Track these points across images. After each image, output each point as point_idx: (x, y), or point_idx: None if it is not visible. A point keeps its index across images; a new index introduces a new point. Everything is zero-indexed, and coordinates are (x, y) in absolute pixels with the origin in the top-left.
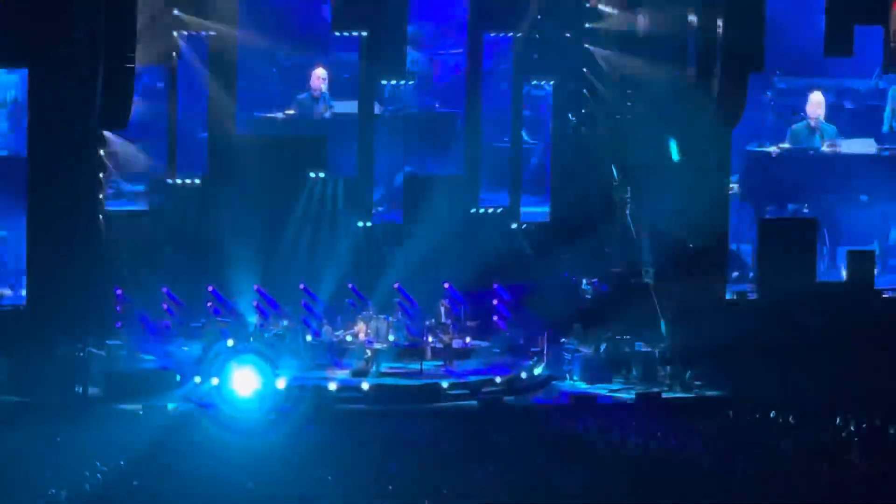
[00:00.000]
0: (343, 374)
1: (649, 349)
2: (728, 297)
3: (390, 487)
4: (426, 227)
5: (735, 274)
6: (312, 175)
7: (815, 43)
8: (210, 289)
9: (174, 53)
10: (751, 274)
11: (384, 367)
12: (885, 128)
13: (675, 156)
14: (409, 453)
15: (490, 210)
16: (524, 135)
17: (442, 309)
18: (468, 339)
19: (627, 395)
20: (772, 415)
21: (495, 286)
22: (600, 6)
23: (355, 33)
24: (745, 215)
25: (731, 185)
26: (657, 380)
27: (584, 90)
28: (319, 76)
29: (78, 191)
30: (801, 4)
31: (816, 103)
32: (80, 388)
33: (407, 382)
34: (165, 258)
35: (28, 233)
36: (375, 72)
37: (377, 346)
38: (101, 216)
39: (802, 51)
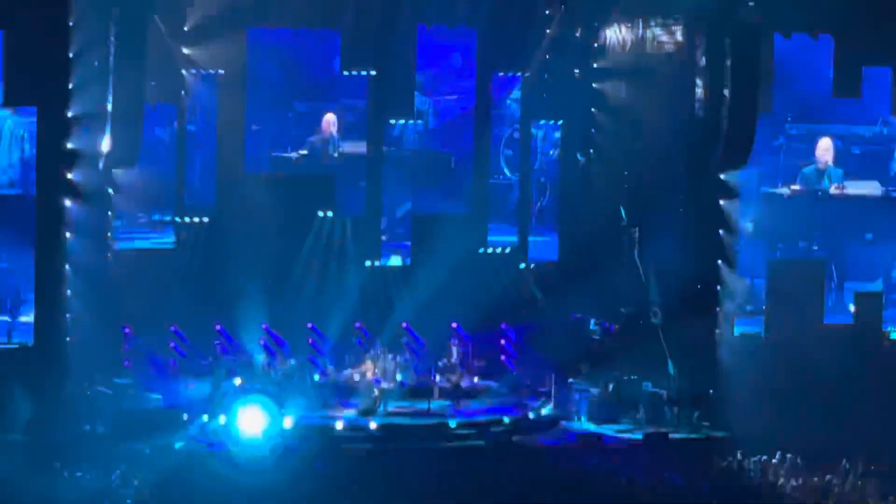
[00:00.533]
0: (350, 413)
1: (657, 389)
2: (737, 333)
3: None
4: (434, 266)
5: (749, 308)
6: (320, 214)
7: (824, 92)
8: (218, 327)
9: (183, 91)
10: (764, 307)
11: (392, 407)
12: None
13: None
14: (416, 493)
15: (498, 250)
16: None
17: (453, 349)
18: (476, 379)
19: (635, 436)
20: (778, 456)
21: (503, 326)
22: (609, 45)
23: (363, 73)
24: (760, 252)
25: (746, 225)
26: (665, 420)
27: (592, 129)
28: (330, 121)
29: (85, 229)
30: (810, 54)
31: (824, 148)
32: (88, 427)
33: (414, 422)
34: (173, 296)
35: (36, 271)
36: (383, 111)
37: (385, 385)
38: (108, 254)
39: (812, 99)
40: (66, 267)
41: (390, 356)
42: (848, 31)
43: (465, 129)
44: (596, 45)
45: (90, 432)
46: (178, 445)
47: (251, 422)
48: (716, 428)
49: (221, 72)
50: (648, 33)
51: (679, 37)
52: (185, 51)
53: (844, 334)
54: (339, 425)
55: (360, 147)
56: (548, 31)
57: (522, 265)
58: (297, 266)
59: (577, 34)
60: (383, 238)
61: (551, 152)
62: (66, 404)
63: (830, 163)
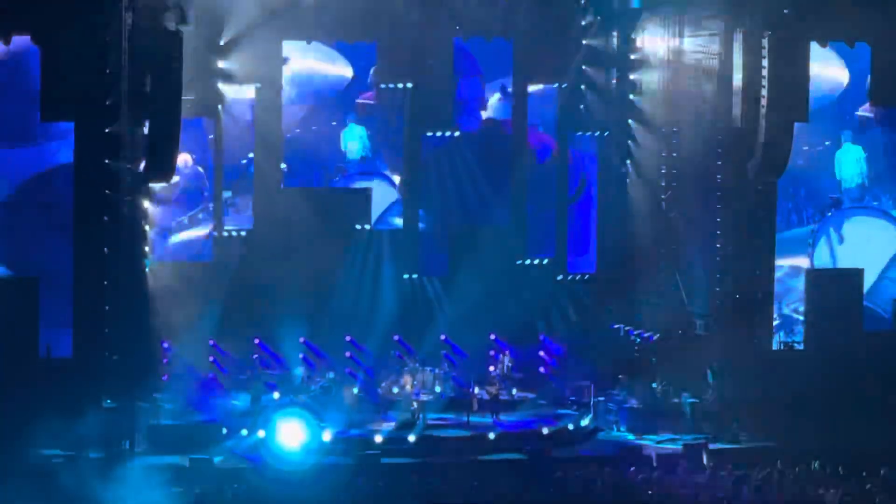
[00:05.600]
0: (389, 426)
1: (696, 400)
2: (776, 342)
3: None
4: (473, 278)
5: None
6: (358, 227)
7: None
8: (257, 341)
9: (220, 106)
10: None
11: (431, 419)
12: None
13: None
14: None
15: (536, 262)
16: None
17: (492, 361)
18: (515, 391)
19: (674, 446)
20: (817, 465)
21: (542, 337)
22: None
23: (400, 85)
24: None
25: None
26: (704, 430)
27: (630, 141)
28: None
29: (123, 242)
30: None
31: None
32: (127, 442)
33: (454, 434)
34: (212, 310)
35: (74, 285)
36: (421, 124)
37: (424, 397)
38: (146, 268)
39: None
40: (104, 281)
41: (429, 368)
42: (885, 39)
43: None
44: (632, 56)
45: (129, 447)
46: (217, 460)
47: (290, 436)
48: (755, 438)
49: (258, 85)
50: (685, 43)
51: (716, 47)
52: (221, 64)
53: (885, 342)
54: (379, 438)
55: None
56: (584, 42)
57: (560, 277)
58: (336, 279)
59: (614, 45)
60: None
61: None
62: (105, 419)
63: None
